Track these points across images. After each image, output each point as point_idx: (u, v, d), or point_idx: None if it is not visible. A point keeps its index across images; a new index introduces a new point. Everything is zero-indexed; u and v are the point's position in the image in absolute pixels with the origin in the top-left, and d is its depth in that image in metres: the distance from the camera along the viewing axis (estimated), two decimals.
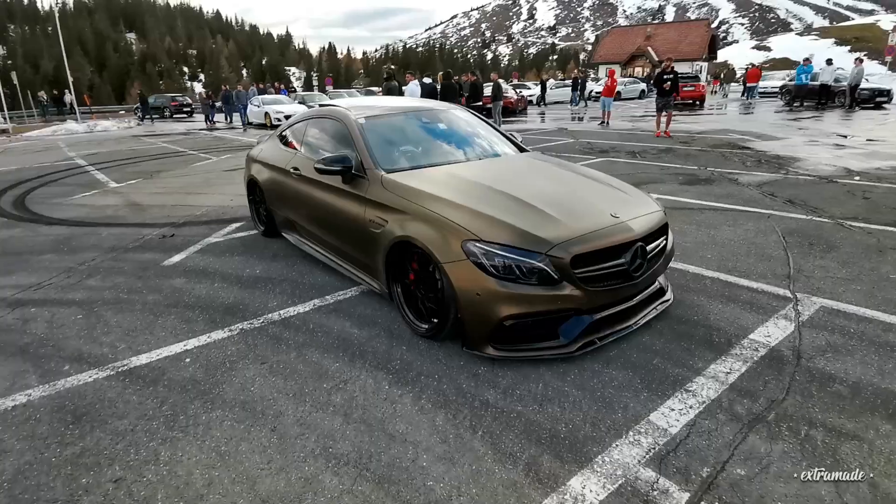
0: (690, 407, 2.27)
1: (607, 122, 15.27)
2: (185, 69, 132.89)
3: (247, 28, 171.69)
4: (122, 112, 30.71)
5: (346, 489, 1.88)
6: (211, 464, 2.02)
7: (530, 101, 28.15)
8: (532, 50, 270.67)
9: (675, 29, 54.31)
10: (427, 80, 12.63)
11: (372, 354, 2.81)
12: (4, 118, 22.22)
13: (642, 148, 10.37)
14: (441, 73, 12.15)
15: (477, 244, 2.57)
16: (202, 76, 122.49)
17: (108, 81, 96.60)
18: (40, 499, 1.86)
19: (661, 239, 3.00)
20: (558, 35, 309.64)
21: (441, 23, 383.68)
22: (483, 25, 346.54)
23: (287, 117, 11.35)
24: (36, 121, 28.46)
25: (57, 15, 25.91)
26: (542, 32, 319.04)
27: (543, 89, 28.74)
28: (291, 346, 2.92)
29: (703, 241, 4.48)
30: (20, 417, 2.35)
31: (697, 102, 22.31)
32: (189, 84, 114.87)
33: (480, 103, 13.58)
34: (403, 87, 12.26)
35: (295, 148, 4.37)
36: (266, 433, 2.20)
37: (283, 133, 4.72)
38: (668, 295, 3.20)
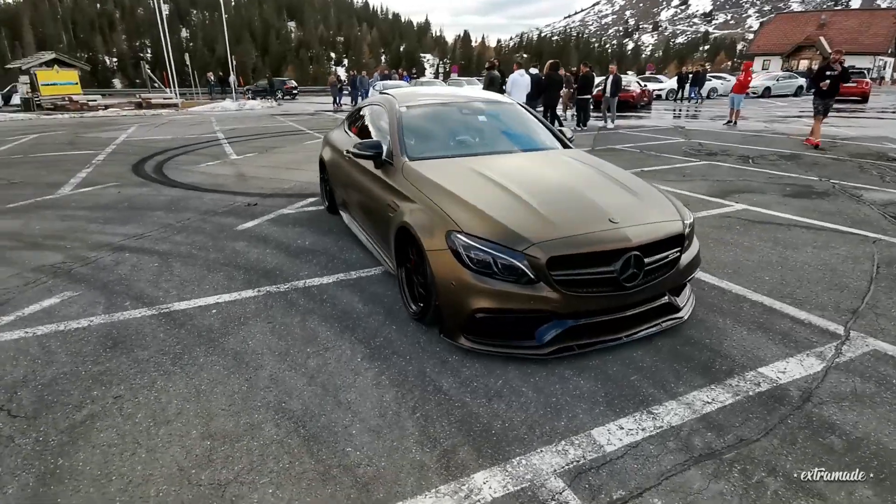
0: (643, 429, 2.13)
1: (734, 122, 13.76)
2: (332, 55, 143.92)
3: (390, 17, 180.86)
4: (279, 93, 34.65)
5: (278, 440, 2.10)
6: (188, 398, 2.37)
7: (658, 96, 26.23)
8: (680, 39, 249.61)
9: (857, 17, 46.72)
10: (534, 71, 12.42)
11: (363, 329, 3.01)
12: (175, 94, 26.17)
13: (761, 152, 9.25)
14: (549, 62, 11.87)
15: (459, 235, 2.62)
16: (346, 61, 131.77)
17: (269, 65, 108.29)
18: (58, 402, 2.35)
19: (673, 251, 2.77)
20: (714, 22, 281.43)
21: (581, 10, 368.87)
22: (627, 13, 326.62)
23: None
24: (202, 98, 32.94)
25: (223, 5, 29.51)
26: (695, 20, 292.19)
27: (681, 82, 26.24)
28: (299, 312, 3.22)
29: (769, 260, 3.98)
30: (76, 337, 2.92)
31: (860, 100, 19.09)
32: (334, 68, 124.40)
33: (589, 96, 13.07)
34: (507, 77, 12.20)
35: (352, 132, 4.69)
36: (240, 381, 2.50)
37: (348, 118, 5.08)
38: (683, 313, 2.95)
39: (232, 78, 32.85)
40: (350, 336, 2.92)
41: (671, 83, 27.19)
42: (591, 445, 2.05)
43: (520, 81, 11.46)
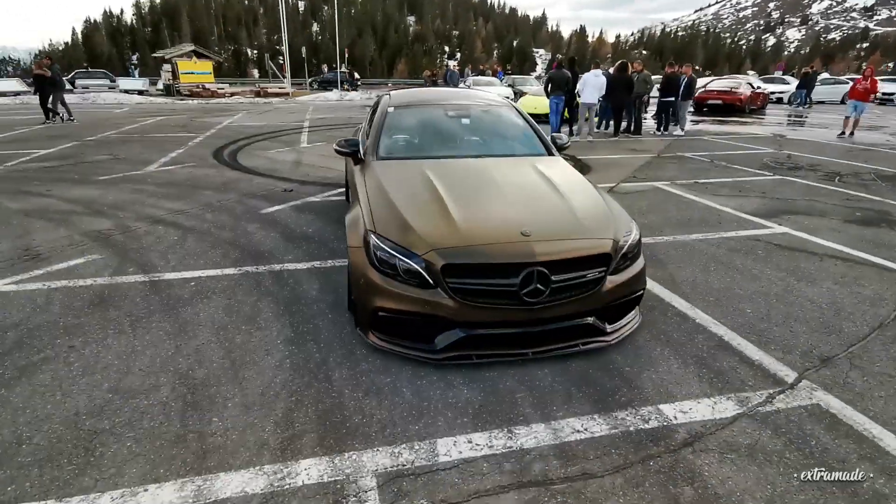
0: (490, 447, 2.10)
1: (851, 132, 12.03)
2: (447, 48, 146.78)
3: (506, 11, 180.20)
4: (389, 84, 35.97)
5: (166, 400, 2.37)
6: (121, 355, 2.74)
7: (779, 99, 23.57)
8: (834, 35, 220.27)
9: None
10: (611, 71, 11.86)
11: (301, 314, 3.21)
12: (288, 84, 28.51)
13: (858, 170, 8.06)
14: (618, 63, 11.26)
15: (372, 235, 2.71)
16: (458, 55, 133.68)
17: (385, 58, 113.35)
18: (29, 344, 2.83)
19: (593, 270, 2.63)
20: (876, 18, 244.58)
21: (716, 2, 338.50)
22: (771, 5, 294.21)
23: None
24: (315, 89, 35.48)
25: (337, 2, 31.42)
26: (854, 14, 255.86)
27: (804, 85, 23.01)
28: (258, 292, 3.51)
29: (768, 292, 3.57)
30: (76, 294, 3.46)
31: None
32: (446, 62, 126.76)
33: (672, 99, 12.23)
34: (582, 75, 11.78)
35: (364, 128, 4.92)
36: (171, 347, 2.82)
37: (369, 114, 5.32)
38: (611, 337, 2.78)
39: (343, 69, 35.01)
40: (286, 320, 3.15)
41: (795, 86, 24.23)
42: (427, 453, 2.07)
43: (593, 81, 11.03)
